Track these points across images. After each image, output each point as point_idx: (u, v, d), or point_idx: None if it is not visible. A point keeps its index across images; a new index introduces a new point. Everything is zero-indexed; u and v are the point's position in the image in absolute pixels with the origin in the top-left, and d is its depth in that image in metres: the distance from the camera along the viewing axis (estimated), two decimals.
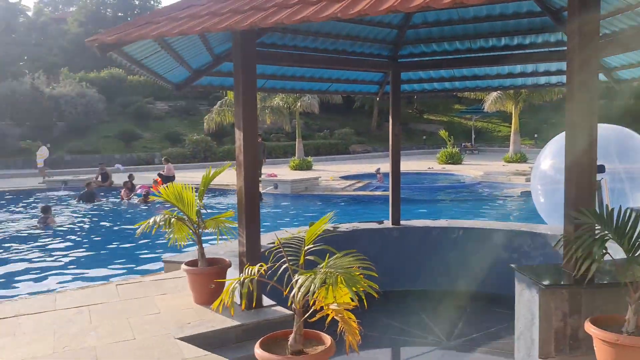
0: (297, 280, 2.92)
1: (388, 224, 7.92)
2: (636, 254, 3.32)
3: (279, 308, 4.77)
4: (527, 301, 4.12)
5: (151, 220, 5.07)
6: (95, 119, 35.45)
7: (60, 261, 9.20)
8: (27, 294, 6.92)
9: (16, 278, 8.09)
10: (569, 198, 4.02)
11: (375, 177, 20.79)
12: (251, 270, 3.20)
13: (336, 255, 3.11)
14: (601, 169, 7.18)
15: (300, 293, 2.84)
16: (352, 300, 2.83)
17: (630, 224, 3.40)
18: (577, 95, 3.92)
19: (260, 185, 15.65)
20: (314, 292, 2.83)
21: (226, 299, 3.29)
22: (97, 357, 3.91)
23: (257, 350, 3.13)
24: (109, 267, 8.75)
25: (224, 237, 5.37)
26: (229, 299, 3.27)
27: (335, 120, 42.04)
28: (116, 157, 30.88)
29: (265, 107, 26.61)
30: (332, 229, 7.36)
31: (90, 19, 48.63)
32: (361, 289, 2.86)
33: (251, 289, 3.20)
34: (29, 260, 9.24)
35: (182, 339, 4.20)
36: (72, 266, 8.80)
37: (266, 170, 21.53)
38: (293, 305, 3.05)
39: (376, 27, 6.67)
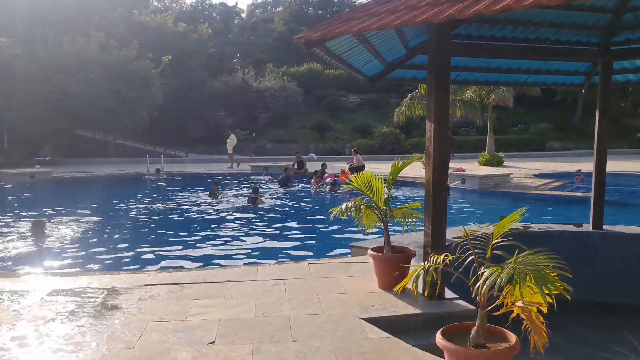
0: (482, 273, 2.90)
1: (588, 227, 7.25)
2: None
3: (461, 302, 4.73)
4: None
5: (343, 206, 5.40)
6: (294, 111, 38.35)
7: (263, 237, 10.22)
8: (227, 258, 7.88)
9: (227, 248, 9.21)
10: None
11: (574, 178, 19.01)
12: (436, 259, 3.25)
13: (526, 252, 3.00)
14: None
15: (485, 286, 2.81)
16: (544, 300, 2.72)
17: None
18: None
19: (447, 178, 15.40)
20: (500, 287, 2.78)
21: (409, 285, 3.39)
22: (291, 326, 4.32)
23: (439, 339, 3.18)
24: (301, 246, 9.47)
25: (409, 227, 5.49)
26: (413, 285, 3.36)
27: (532, 114, 39.24)
28: (310, 147, 33.00)
29: (456, 100, 25.95)
30: (522, 227, 6.99)
31: (293, 17, 52.52)
32: (554, 291, 2.73)
33: (435, 277, 3.25)
34: (239, 234, 10.43)
35: (365, 319, 4.42)
36: (271, 242, 9.72)
37: (454, 164, 21.06)
38: (477, 297, 3.03)
39: (585, 12, 6.11)
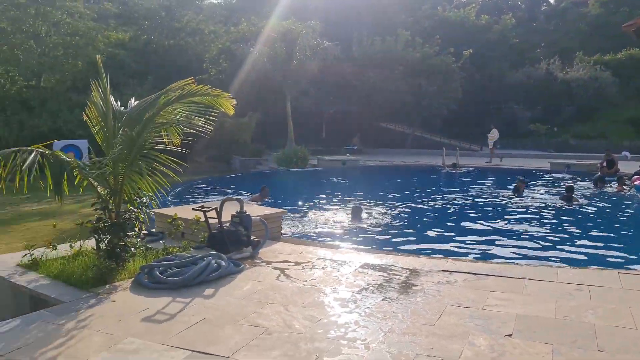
0: None
1: None
2: None
3: None
4: None
5: None
6: (605, 103, 34.22)
7: (566, 237, 9.51)
8: (531, 260, 7.60)
9: (526, 245, 8.86)
10: None
11: None
12: None
13: None
14: None
15: None
16: None
17: None
18: None
19: None
20: None
21: None
22: (596, 334, 4.06)
23: None
24: (610, 253, 8.53)
25: None
26: None
27: None
28: (624, 144, 29.00)
29: None
30: None
31: None
32: None
33: None
34: (540, 232, 9.92)
35: None
36: (574, 244, 8.98)
37: None
38: None
39: None
